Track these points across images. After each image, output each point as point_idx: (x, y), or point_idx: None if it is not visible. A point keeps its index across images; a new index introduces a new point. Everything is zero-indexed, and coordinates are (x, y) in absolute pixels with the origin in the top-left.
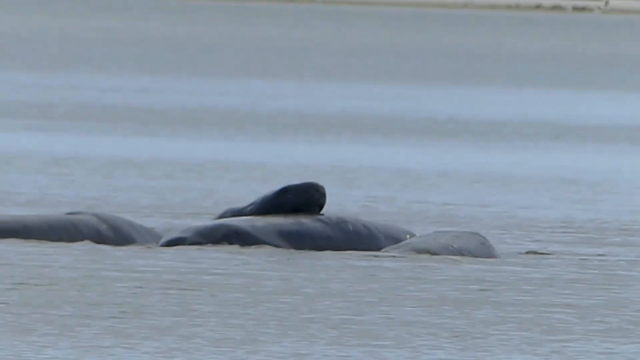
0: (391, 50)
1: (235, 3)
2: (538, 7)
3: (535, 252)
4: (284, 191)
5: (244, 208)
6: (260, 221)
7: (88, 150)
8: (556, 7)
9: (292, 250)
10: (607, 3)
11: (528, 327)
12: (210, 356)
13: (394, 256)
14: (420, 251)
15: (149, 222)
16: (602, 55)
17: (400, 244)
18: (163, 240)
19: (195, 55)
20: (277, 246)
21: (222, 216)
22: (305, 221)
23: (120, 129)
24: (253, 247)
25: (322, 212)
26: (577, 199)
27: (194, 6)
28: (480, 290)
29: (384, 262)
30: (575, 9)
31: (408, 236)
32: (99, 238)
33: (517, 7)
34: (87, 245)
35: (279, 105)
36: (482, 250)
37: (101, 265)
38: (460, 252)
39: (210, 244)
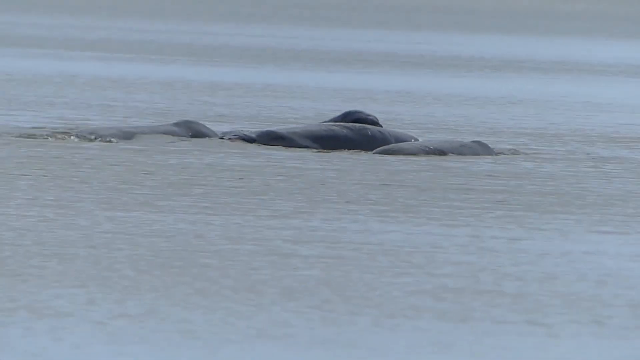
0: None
1: None
2: None
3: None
4: (358, 119)
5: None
6: (300, 129)
7: (190, 76)
8: None
9: (318, 150)
10: None
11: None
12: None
13: (373, 154)
14: (397, 151)
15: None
16: (537, 8)
17: (390, 145)
18: (234, 135)
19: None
20: (311, 147)
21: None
22: (335, 128)
23: (215, 63)
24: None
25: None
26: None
27: None
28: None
29: (361, 157)
30: None
31: (413, 140)
32: (195, 134)
33: None
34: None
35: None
36: (458, 150)
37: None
38: (433, 152)
39: (263, 144)
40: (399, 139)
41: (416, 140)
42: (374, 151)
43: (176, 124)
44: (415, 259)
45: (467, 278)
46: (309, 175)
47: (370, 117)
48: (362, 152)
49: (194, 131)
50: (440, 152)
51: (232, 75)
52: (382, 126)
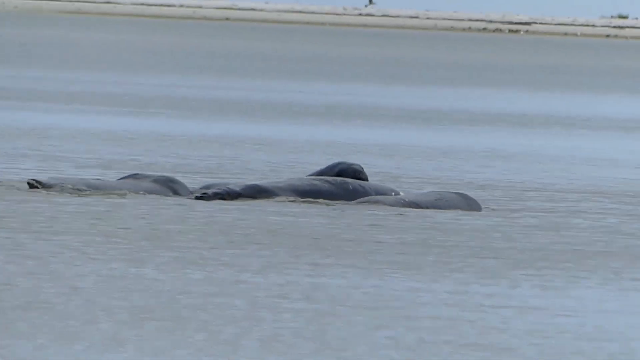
0: (384, 61)
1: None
2: (484, 29)
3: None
4: (340, 172)
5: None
6: (283, 183)
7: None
8: (497, 30)
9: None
10: (527, 30)
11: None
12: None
13: (347, 206)
14: (373, 202)
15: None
16: (525, 62)
17: (367, 197)
18: (218, 189)
19: (235, 63)
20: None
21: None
22: (317, 183)
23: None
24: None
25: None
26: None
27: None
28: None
29: (337, 210)
30: (510, 31)
31: (393, 193)
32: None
33: (470, 29)
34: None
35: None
36: (433, 204)
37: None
38: (408, 205)
39: (248, 197)
40: (379, 192)
41: (397, 193)
42: (353, 203)
43: (155, 181)
44: (396, 312)
45: (448, 331)
46: (290, 230)
47: (354, 166)
48: (342, 204)
49: (173, 190)
50: (415, 205)
51: (211, 128)
52: (367, 176)
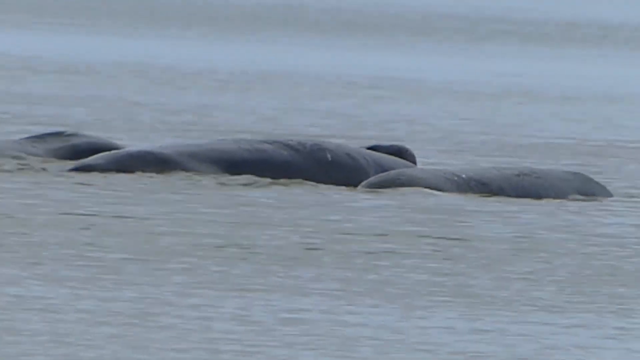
0: None
1: None
2: None
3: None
4: (374, 149)
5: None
6: (200, 146)
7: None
8: None
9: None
10: None
11: None
12: None
13: (360, 189)
14: (406, 183)
15: None
16: None
17: (392, 173)
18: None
19: None
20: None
21: None
22: (266, 147)
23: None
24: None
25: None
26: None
27: None
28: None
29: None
30: None
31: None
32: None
33: None
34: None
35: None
36: (513, 182)
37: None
38: (467, 185)
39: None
40: (385, 168)
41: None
42: (363, 184)
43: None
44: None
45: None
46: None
47: (396, 146)
48: (335, 187)
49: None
50: (482, 184)
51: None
52: (415, 160)
